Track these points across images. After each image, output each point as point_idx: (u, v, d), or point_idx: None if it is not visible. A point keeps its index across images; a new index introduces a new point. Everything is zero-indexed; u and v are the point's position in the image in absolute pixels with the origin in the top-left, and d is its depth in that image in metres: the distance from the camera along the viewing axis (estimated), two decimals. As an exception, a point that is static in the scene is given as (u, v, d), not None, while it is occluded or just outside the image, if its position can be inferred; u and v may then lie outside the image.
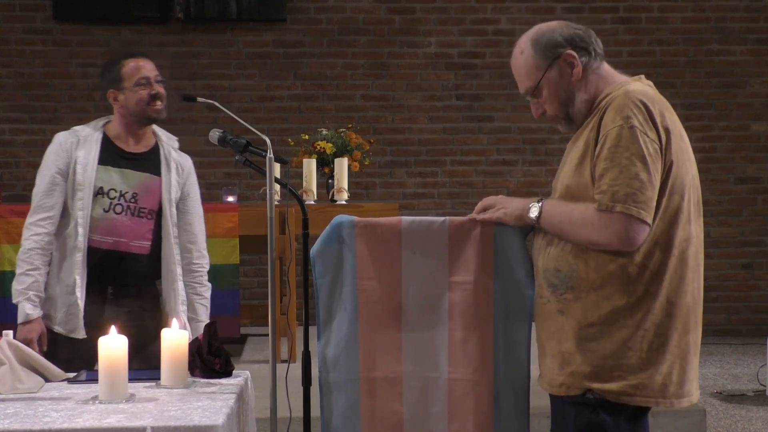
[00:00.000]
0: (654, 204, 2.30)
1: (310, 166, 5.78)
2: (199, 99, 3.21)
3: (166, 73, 3.50)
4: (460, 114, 7.82)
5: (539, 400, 2.71)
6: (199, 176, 3.61)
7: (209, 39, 7.66)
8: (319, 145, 6.00)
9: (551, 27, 2.47)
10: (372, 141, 6.60)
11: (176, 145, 3.53)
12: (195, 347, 2.78)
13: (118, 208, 3.32)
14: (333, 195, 5.82)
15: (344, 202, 5.75)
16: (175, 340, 2.64)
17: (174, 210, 3.43)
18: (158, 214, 3.40)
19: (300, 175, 5.80)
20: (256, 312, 6.24)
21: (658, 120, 2.32)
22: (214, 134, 3.06)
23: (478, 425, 2.63)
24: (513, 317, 2.62)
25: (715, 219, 7.85)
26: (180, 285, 3.42)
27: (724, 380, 6.01)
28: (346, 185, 5.79)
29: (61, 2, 7.47)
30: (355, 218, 2.68)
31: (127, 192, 3.34)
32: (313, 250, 2.69)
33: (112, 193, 3.32)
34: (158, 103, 3.36)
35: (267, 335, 3.00)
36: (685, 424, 4.41)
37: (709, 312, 7.68)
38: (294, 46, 7.71)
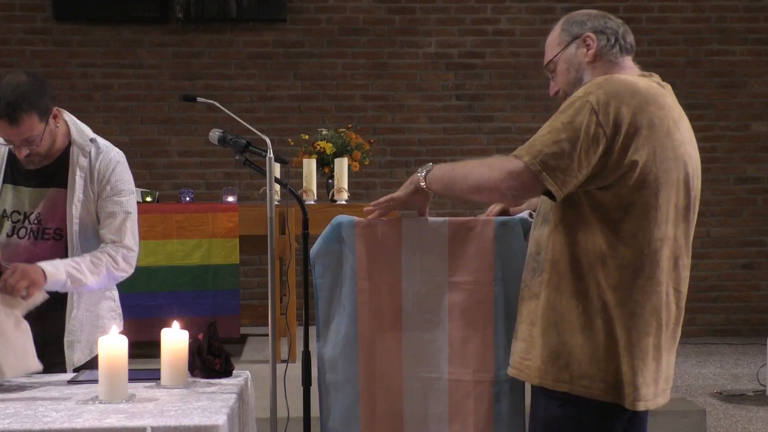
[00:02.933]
0: (568, 179, 2.21)
1: (310, 166, 5.78)
2: (199, 99, 3.20)
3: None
4: (460, 114, 7.82)
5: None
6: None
7: (209, 39, 7.66)
8: (319, 145, 6.01)
9: (588, 12, 2.50)
10: (372, 141, 6.61)
11: (89, 147, 3.07)
12: (195, 347, 2.78)
13: (22, 232, 3.03)
14: (333, 195, 5.83)
15: (344, 202, 5.76)
16: (175, 340, 2.64)
17: (87, 223, 3.03)
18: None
19: (300, 175, 5.80)
20: (256, 312, 6.24)
21: (626, 110, 2.23)
22: (214, 134, 3.06)
23: (478, 426, 2.63)
24: (513, 317, 2.60)
25: (715, 219, 7.85)
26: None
27: (724, 380, 6.01)
28: (346, 185, 5.79)
29: (61, 2, 7.47)
30: (355, 218, 2.67)
31: (31, 213, 3.03)
32: (313, 250, 2.68)
33: (15, 216, 3.03)
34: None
35: (267, 335, 3.00)
36: (685, 424, 4.40)
37: (709, 312, 7.81)
38: (294, 46, 7.71)
